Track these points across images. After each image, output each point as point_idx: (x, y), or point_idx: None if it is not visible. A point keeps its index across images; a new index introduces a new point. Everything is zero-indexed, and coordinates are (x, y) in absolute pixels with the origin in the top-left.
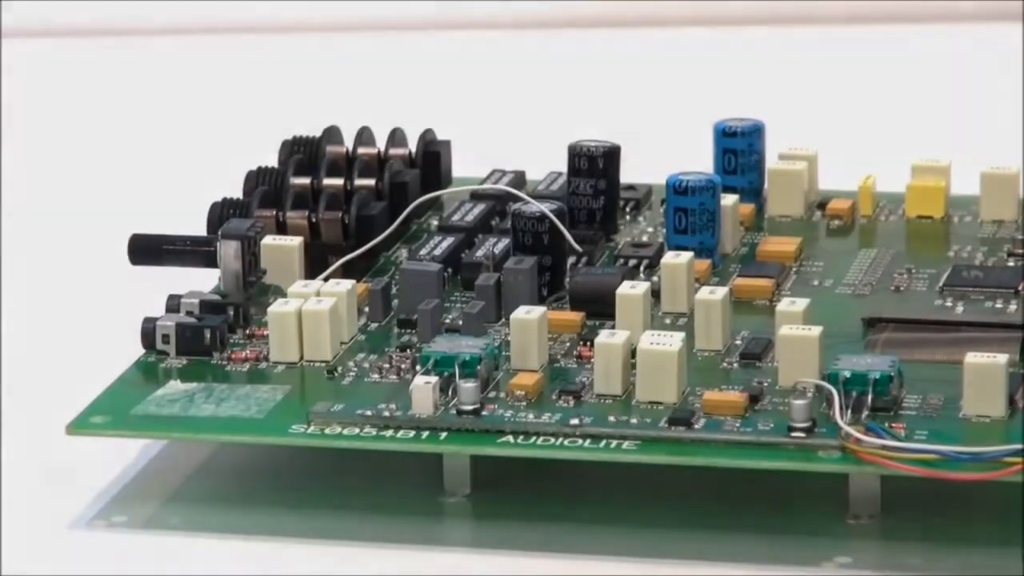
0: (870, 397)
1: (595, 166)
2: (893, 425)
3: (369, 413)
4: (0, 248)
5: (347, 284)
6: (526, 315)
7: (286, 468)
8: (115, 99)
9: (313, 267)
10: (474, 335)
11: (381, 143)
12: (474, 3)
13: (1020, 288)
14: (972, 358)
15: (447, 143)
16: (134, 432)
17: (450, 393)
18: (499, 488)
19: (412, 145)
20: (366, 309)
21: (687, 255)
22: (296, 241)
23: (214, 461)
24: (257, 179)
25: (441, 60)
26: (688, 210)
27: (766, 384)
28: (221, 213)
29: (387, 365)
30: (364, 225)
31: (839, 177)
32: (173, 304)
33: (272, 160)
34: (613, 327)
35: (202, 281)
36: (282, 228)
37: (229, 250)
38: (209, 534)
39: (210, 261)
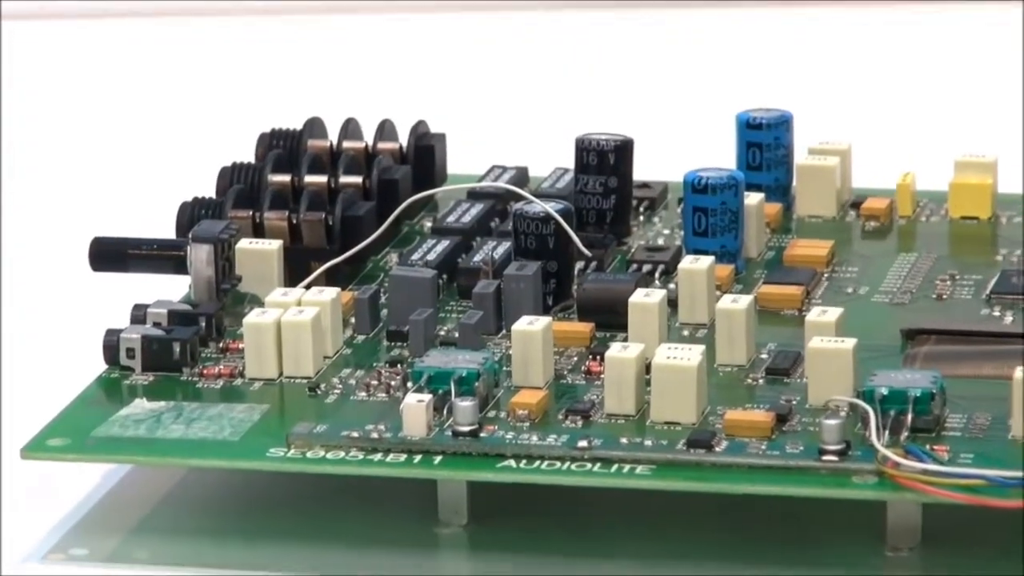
0: (910, 416)
1: (605, 161)
2: (935, 447)
3: (355, 435)
4: None
5: (331, 292)
6: (529, 326)
7: (264, 496)
8: (73, 89)
9: (294, 273)
10: (472, 348)
11: (369, 136)
12: None
13: None
14: (1022, 373)
15: (441, 136)
16: (96, 456)
17: (445, 413)
18: (499, 518)
19: (403, 139)
20: (352, 320)
21: (707, 260)
22: (275, 245)
23: (184, 488)
24: (232, 176)
25: (435, 44)
26: (708, 210)
27: (795, 402)
28: (192, 214)
29: (375, 382)
30: (350, 227)
31: (875, 174)
32: (139, 315)
33: (248, 155)
34: (625, 340)
35: (171, 289)
36: (259, 230)
37: (201, 255)
38: (178, 569)
39: (179, 267)
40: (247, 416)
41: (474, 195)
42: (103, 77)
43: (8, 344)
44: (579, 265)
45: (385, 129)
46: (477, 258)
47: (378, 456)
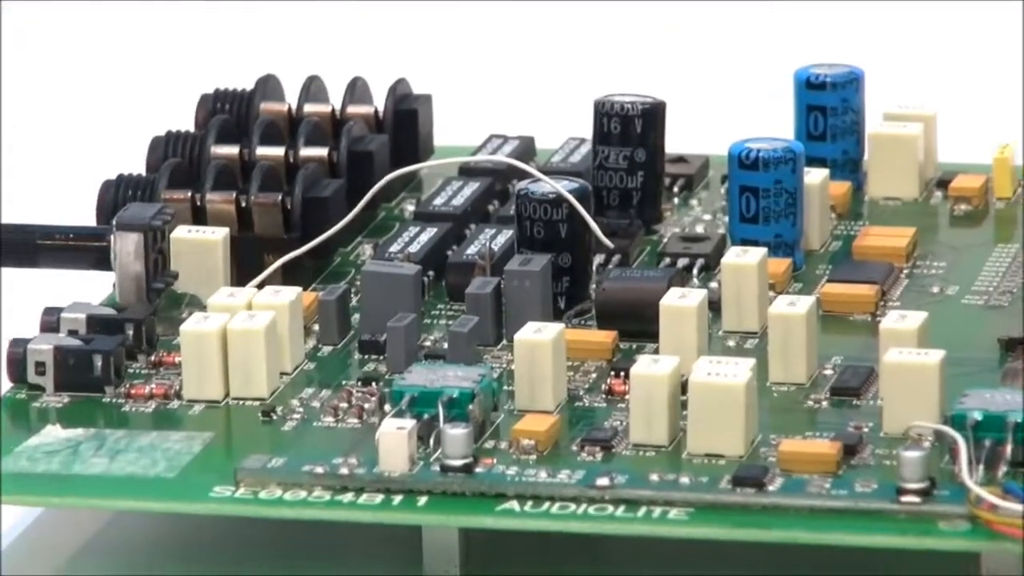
0: (1009, 447)
1: (631, 130)
2: None
3: (320, 470)
4: None
5: (290, 293)
6: (536, 335)
7: (206, 546)
8: None
9: (243, 269)
10: (465, 363)
11: (336, 99)
12: None
13: None
14: None
15: (427, 98)
16: None
17: (432, 443)
18: (498, 572)
19: (379, 101)
20: (316, 327)
21: (758, 253)
22: (219, 234)
23: (108, 536)
24: (166, 148)
25: None
26: (759, 191)
27: (867, 430)
28: (116, 195)
29: (345, 404)
30: (313, 211)
31: (966, 145)
32: (51, 321)
33: (187, 122)
34: (656, 352)
35: (91, 289)
36: (200, 215)
37: (127, 246)
38: None
39: (101, 261)
40: (185, 447)
41: (467, 171)
42: (11, 36)
43: None
44: (598, 259)
45: (356, 89)
46: (471, 250)
47: (348, 497)
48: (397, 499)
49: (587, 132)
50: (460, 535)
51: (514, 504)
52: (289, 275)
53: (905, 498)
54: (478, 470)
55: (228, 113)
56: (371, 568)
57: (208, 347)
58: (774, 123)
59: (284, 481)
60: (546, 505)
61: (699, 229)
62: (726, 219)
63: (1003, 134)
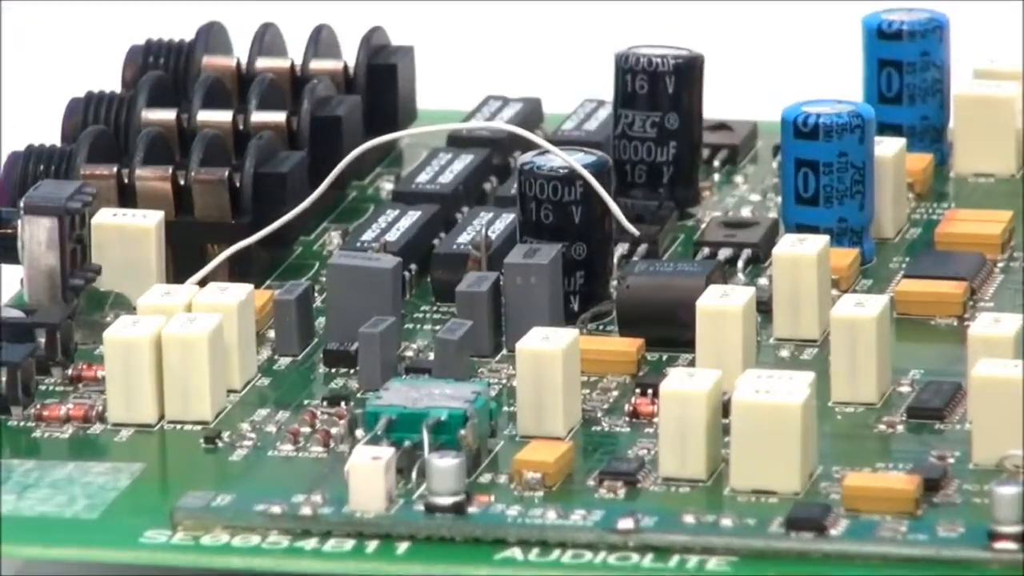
0: None
1: (661, 90)
2: None
3: (277, 510)
4: None
5: (239, 292)
6: (544, 344)
7: None
8: None
9: (181, 262)
10: (455, 378)
11: (296, 51)
12: None
13: None
14: None
15: (408, 51)
16: None
17: (414, 476)
18: None
19: (349, 55)
20: (271, 334)
21: (817, 242)
22: (152, 219)
23: None
24: (86, 112)
25: None
26: (820, 165)
27: (952, 461)
28: (25, 171)
29: (307, 429)
30: (268, 190)
31: None
32: None
33: (112, 81)
34: (692, 364)
35: None
36: (129, 195)
37: (39, 234)
38: None
39: (7, 253)
40: (110, 481)
41: (458, 141)
42: None
43: None
44: (620, 250)
45: (321, 40)
46: (464, 239)
47: (312, 543)
48: (372, 546)
49: (607, 93)
50: None
51: (516, 552)
52: (238, 269)
53: (999, 544)
54: (472, 510)
55: (163, 69)
56: None
57: (138, 358)
58: (838, 82)
59: (232, 523)
60: (555, 553)
61: (745, 212)
62: (778, 200)
63: None
